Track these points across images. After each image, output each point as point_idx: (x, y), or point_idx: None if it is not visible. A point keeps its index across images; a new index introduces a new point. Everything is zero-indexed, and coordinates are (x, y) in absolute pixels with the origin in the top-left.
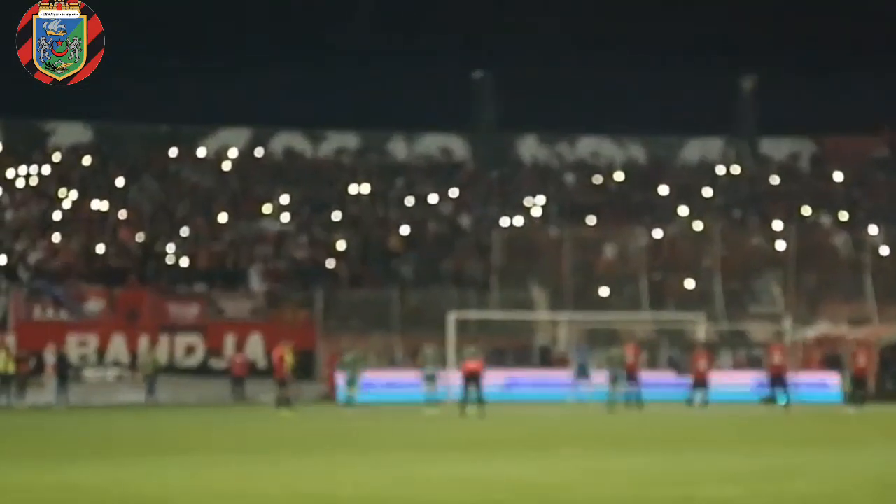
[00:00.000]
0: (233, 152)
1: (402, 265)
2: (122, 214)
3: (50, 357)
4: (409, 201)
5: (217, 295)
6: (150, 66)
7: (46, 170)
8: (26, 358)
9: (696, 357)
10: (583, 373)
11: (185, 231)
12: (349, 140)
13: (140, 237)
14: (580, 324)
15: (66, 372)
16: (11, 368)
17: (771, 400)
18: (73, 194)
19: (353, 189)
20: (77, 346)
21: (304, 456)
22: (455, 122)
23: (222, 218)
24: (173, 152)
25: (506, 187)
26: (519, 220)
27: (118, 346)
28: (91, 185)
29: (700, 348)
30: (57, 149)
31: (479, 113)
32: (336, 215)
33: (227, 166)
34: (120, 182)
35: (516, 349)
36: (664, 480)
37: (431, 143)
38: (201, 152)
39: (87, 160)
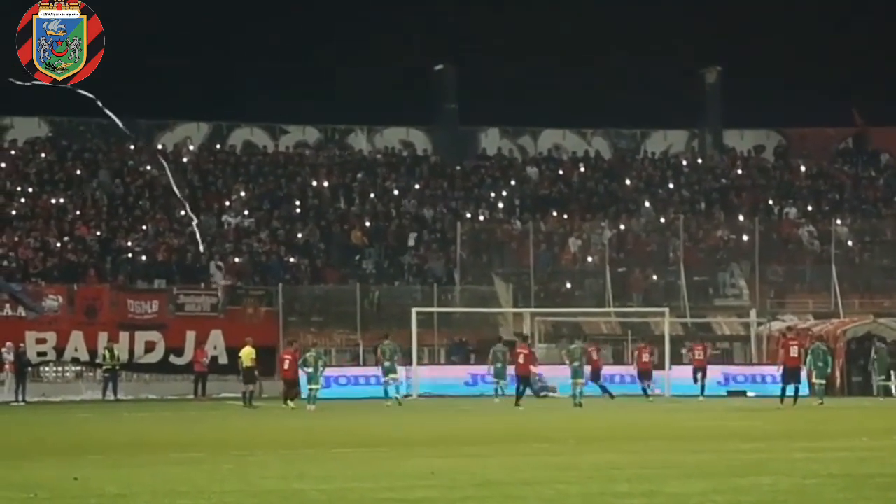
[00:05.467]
0: (192, 147)
1: (364, 260)
2: (80, 210)
3: (8, 354)
4: (371, 195)
5: (177, 291)
6: (106, 60)
7: (3, 165)
8: None
9: (640, 351)
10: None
11: (144, 226)
12: (310, 134)
13: (98, 233)
14: (544, 318)
15: (24, 369)
16: None
17: (783, 396)
18: (30, 189)
19: (314, 183)
20: (36, 343)
21: (267, 452)
22: (417, 116)
23: (181, 213)
24: (131, 147)
25: (468, 181)
26: (482, 214)
27: (77, 343)
28: (48, 180)
29: (641, 343)
30: (14, 144)
31: (440, 106)
32: (297, 210)
33: (186, 160)
34: (77, 177)
35: (479, 344)
36: (629, 476)
37: (393, 137)
38: (160, 147)
39: (44, 155)
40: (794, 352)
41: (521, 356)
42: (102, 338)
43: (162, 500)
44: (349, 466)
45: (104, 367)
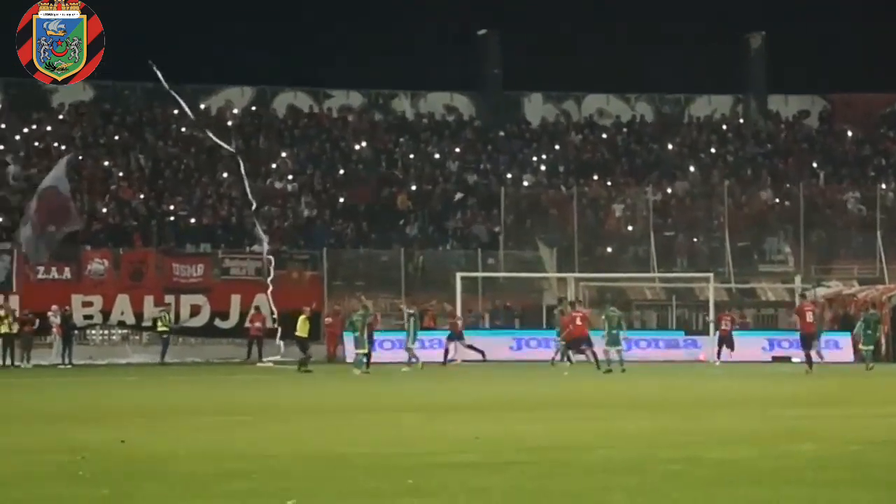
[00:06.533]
0: (236, 111)
1: (408, 224)
2: (125, 173)
3: (55, 318)
4: (415, 160)
5: (222, 255)
6: (151, 23)
7: (48, 128)
8: (31, 319)
9: (571, 318)
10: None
11: (189, 190)
12: (354, 98)
13: (143, 196)
14: (588, 283)
15: (70, 333)
16: (15, 329)
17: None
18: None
19: (357, 147)
20: (82, 306)
21: (313, 416)
22: (460, 81)
23: (226, 177)
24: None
25: (512, 146)
26: (526, 179)
27: (123, 306)
28: (93, 143)
29: (571, 308)
30: (59, 107)
31: (484, 72)
32: (341, 173)
33: (230, 125)
34: (122, 141)
35: (524, 309)
36: (673, 442)
37: (437, 102)
38: (204, 110)
39: (89, 119)
40: (809, 317)
41: (578, 318)
42: (148, 301)
43: (208, 462)
44: (393, 431)
45: (160, 330)
